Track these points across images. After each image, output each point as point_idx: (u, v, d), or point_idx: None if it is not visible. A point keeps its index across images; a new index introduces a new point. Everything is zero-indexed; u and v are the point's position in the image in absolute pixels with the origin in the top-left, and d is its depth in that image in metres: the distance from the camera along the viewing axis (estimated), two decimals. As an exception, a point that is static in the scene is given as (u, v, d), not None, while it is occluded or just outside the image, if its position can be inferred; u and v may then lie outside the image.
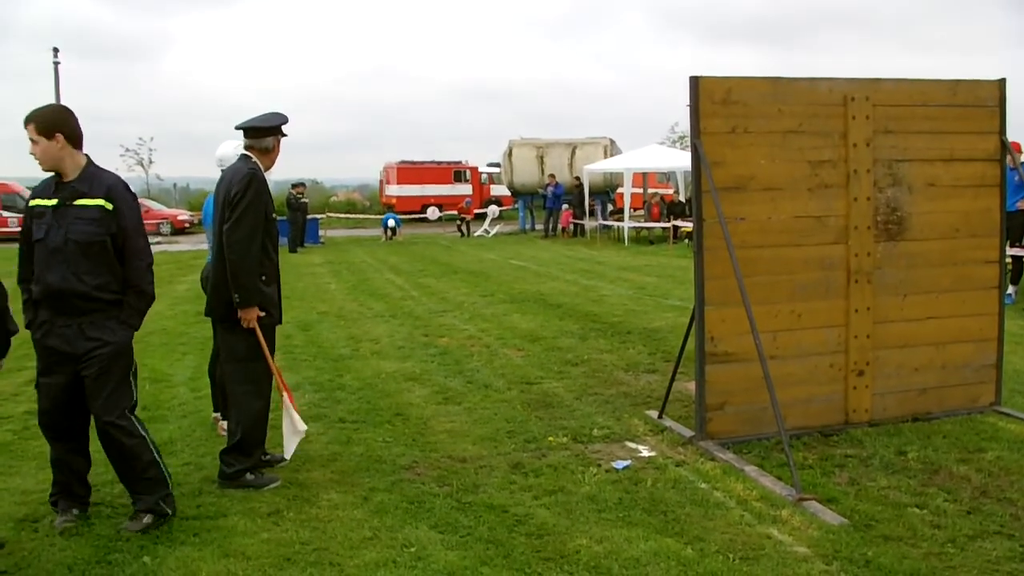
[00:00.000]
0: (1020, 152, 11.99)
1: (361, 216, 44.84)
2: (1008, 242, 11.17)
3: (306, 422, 6.55)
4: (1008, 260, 11.75)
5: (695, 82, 6.61)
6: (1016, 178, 10.85)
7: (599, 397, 8.27)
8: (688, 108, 6.74)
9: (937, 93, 7.25)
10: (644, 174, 33.92)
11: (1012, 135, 7.51)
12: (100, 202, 5.16)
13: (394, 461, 6.49)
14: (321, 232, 32.64)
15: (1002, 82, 7.42)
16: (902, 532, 5.06)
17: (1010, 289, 13.30)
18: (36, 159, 5.20)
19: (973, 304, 7.43)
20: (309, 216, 30.37)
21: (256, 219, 5.91)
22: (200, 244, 27.68)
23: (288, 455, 6.37)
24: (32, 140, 5.13)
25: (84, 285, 5.12)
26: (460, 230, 34.85)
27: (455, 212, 25.98)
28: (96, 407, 5.23)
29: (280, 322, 6.44)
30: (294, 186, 29.18)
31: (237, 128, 6.24)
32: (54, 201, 5.16)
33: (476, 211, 35.45)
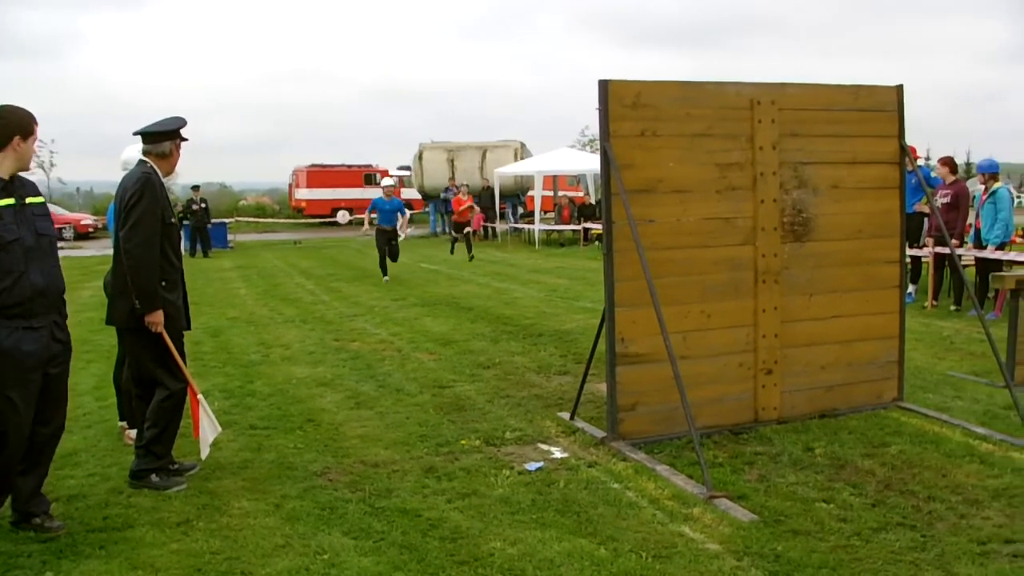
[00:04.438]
0: (916, 156, 12.30)
1: (271, 220, 44.31)
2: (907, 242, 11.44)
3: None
4: (907, 260, 12.04)
5: (604, 85, 6.65)
6: (913, 181, 11.13)
7: (511, 400, 8.28)
8: (598, 111, 6.78)
9: (840, 98, 7.40)
10: (555, 177, 34.08)
11: (909, 139, 7.70)
12: (42, 199, 5.22)
13: (306, 467, 6.41)
14: (230, 237, 32.18)
15: (900, 88, 7.61)
16: (810, 526, 5.15)
17: (910, 288, 13.66)
18: None
19: (876, 303, 7.60)
20: (218, 220, 29.88)
21: (152, 224, 5.82)
22: (105, 249, 27.09)
23: (204, 455, 6.26)
24: None
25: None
26: (458, 238, 25.32)
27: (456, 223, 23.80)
28: (62, 412, 5.33)
29: (188, 328, 6.34)
30: (192, 189, 28.62)
31: (135, 134, 6.15)
32: (11, 200, 5.03)
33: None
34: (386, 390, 8.71)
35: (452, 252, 25.24)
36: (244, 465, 6.50)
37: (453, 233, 25.94)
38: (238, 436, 7.23)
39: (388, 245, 18.95)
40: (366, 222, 20.77)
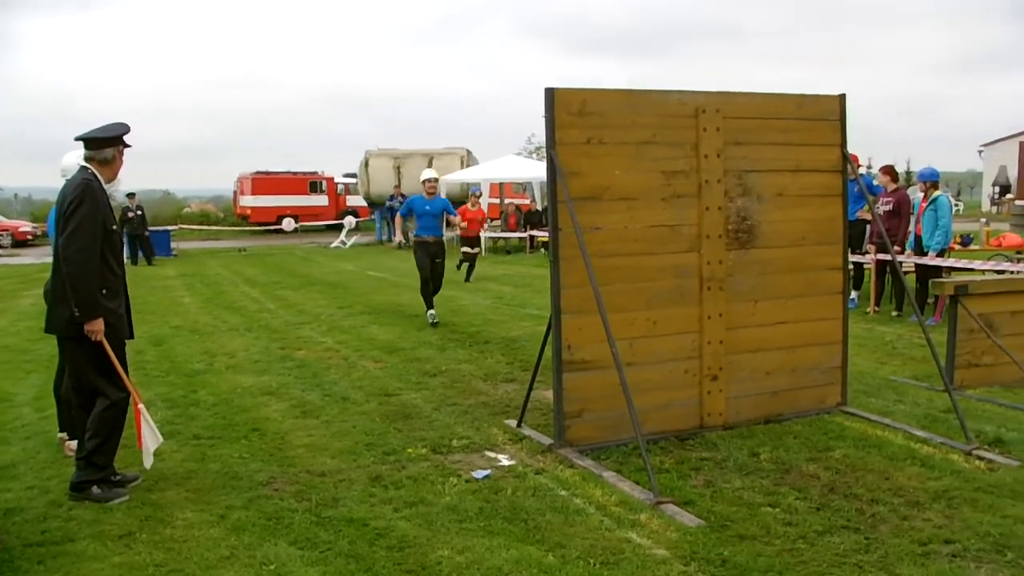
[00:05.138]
0: (859, 164, 12.47)
1: (215, 228, 43.89)
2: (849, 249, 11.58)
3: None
4: (850, 267, 12.20)
5: (551, 93, 6.67)
6: (855, 188, 11.29)
7: (458, 407, 8.26)
8: (544, 119, 6.78)
9: (784, 107, 7.48)
10: (501, 184, 34.12)
11: (851, 148, 7.80)
12: None
13: (251, 477, 6.35)
14: (174, 244, 31.82)
15: (842, 97, 7.71)
16: (756, 531, 5.19)
17: (852, 294, 13.84)
18: None
19: (820, 309, 7.69)
20: (161, 228, 29.50)
21: (92, 231, 5.74)
22: (45, 257, 26.67)
23: (148, 464, 6.17)
24: None
25: None
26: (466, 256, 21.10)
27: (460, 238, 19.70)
28: None
29: (131, 337, 6.26)
30: (128, 196, 28.17)
31: (76, 139, 6.07)
32: None
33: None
34: (332, 399, 8.65)
35: (459, 268, 20.53)
36: (188, 475, 6.42)
37: (463, 249, 20.93)
38: (182, 446, 7.14)
39: (433, 265, 13.44)
40: (398, 232, 15.78)
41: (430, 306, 13.38)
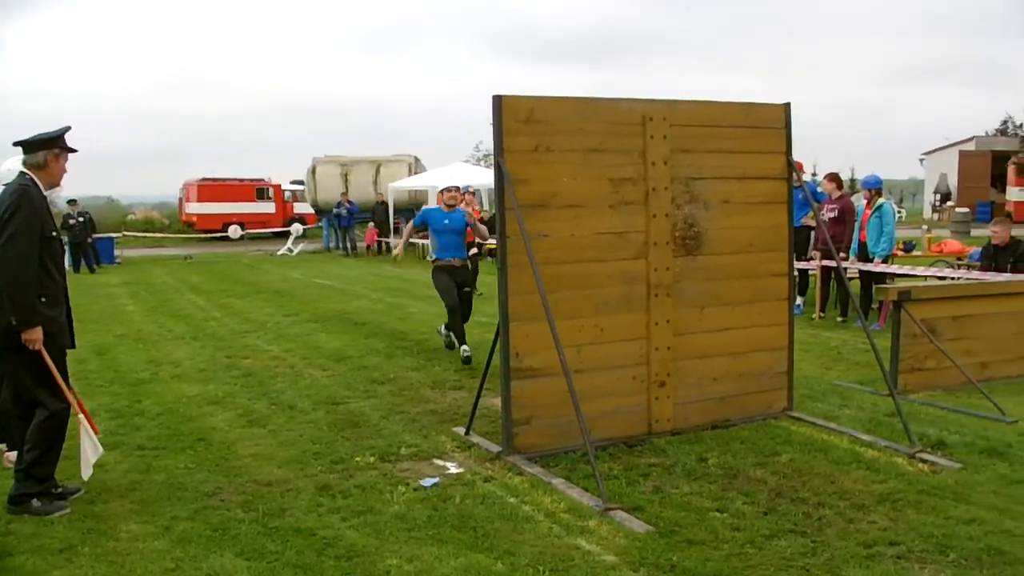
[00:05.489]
0: (803, 171, 12.61)
1: (160, 235, 43.40)
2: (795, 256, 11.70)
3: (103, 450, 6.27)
4: (795, 273, 12.32)
5: (498, 101, 6.67)
6: (800, 196, 11.40)
7: (406, 415, 8.22)
8: (492, 126, 6.78)
9: (730, 115, 7.54)
10: (449, 192, 34.02)
11: (796, 155, 7.87)
12: None
13: (197, 488, 6.27)
14: (117, 252, 31.40)
15: (787, 105, 7.78)
16: (704, 536, 5.22)
17: (798, 300, 13.98)
18: None
19: (766, 315, 7.75)
20: (104, 235, 29.11)
21: (29, 237, 5.64)
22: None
23: (86, 476, 6.07)
24: None
25: None
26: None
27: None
28: None
29: (72, 346, 6.15)
30: (69, 203, 27.73)
31: (14, 144, 5.98)
32: None
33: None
34: (279, 407, 8.58)
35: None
36: (132, 487, 6.32)
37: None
38: (126, 457, 7.04)
39: (460, 291, 10.82)
40: (402, 246, 12.21)
41: (462, 341, 10.76)
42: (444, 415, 8.22)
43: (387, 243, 32.38)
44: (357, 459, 6.88)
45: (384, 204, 32.04)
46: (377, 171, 36.08)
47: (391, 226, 31.88)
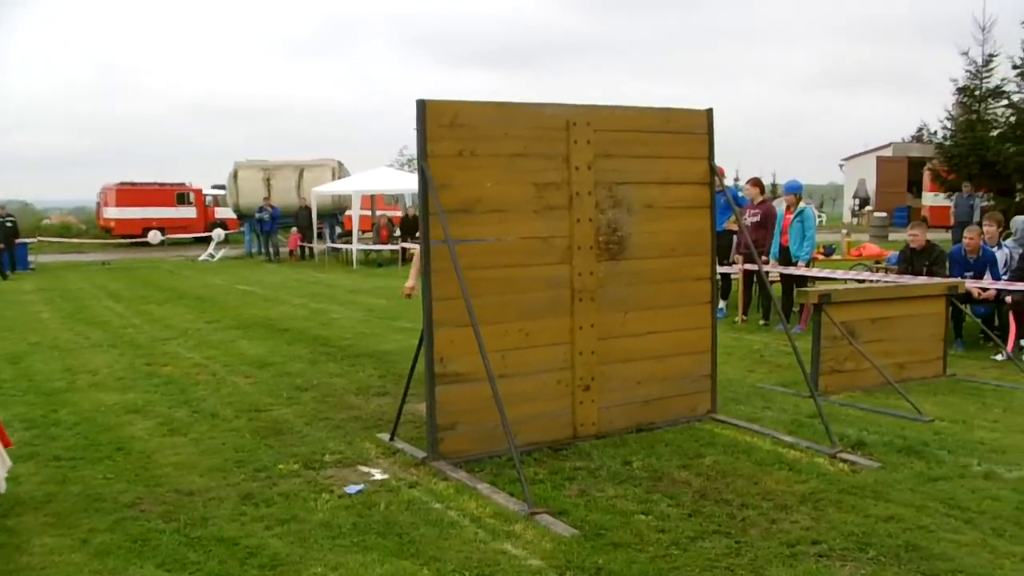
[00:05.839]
0: (725, 176, 12.77)
1: (77, 240, 42.53)
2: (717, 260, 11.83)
3: (15, 462, 6.11)
4: (718, 277, 12.46)
5: (422, 105, 6.64)
6: (723, 200, 11.54)
7: (330, 422, 8.15)
8: (416, 131, 6.75)
9: (653, 120, 7.60)
10: (372, 196, 33.91)
11: (719, 160, 7.96)
12: None
13: (116, 499, 6.14)
14: (32, 258, 30.68)
15: (710, 111, 7.86)
16: (630, 538, 5.24)
17: (721, 304, 14.14)
18: None
19: (689, 319, 7.82)
20: (18, 240, 28.45)
21: None
22: None
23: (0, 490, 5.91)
24: None
25: None
26: None
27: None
28: None
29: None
30: None
31: None
32: None
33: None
34: (201, 415, 8.45)
35: None
36: (47, 499, 6.17)
37: None
38: (40, 468, 6.87)
39: None
40: (413, 277, 9.46)
41: None
42: (368, 421, 8.16)
43: (310, 248, 32.12)
44: (280, 467, 6.80)
45: (307, 209, 31.74)
46: (300, 176, 35.71)
47: (314, 231, 31.59)
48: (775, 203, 15.26)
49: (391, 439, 7.42)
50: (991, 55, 31.53)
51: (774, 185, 48.18)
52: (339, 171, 35.74)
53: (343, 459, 7.01)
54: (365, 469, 6.76)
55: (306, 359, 11.38)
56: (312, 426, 8.01)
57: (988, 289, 11.18)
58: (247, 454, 7.15)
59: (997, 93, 31.87)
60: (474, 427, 6.84)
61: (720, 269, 13.26)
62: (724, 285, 14.57)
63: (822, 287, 11.29)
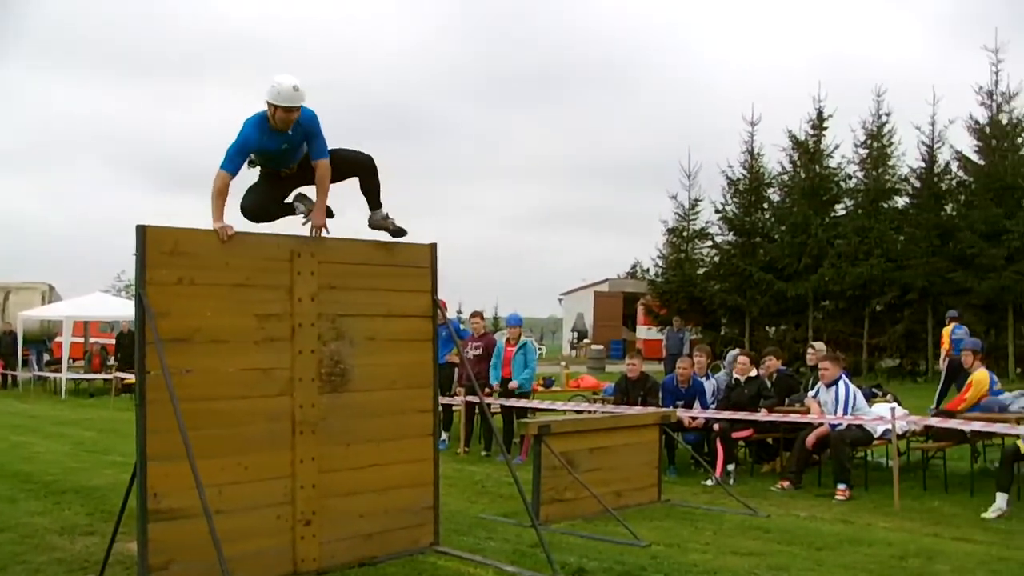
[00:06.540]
0: (447, 309, 13.08)
1: None
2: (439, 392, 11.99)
3: None
4: (440, 409, 12.61)
5: (142, 231, 6.49)
6: (445, 333, 11.78)
7: (28, 566, 7.56)
8: (135, 257, 6.58)
9: (377, 253, 7.72)
10: (86, 323, 32.45)
11: (441, 294, 8.15)
12: None
13: None
14: None
15: (433, 246, 8.07)
16: None
17: (443, 435, 14.27)
18: None
19: (412, 451, 7.84)
20: None
21: None
22: None
23: None
24: None
25: None
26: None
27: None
28: None
29: None
30: None
31: None
32: None
33: None
34: None
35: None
36: None
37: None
38: None
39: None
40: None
41: None
42: (73, 564, 7.64)
43: (13, 376, 30.16)
44: (-32, 618, 6.26)
45: (12, 334, 29.94)
46: (6, 298, 33.75)
47: (19, 358, 29.72)
48: (497, 335, 15.69)
49: (97, 582, 6.99)
50: (696, 199, 34.19)
51: (496, 318, 49.50)
52: (49, 295, 34.08)
53: (41, 606, 6.53)
54: (66, 616, 6.33)
55: (5, 497, 10.55)
56: (7, 572, 7.42)
57: (697, 418, 11.86)
58: (-71, 605, 6.55)
59: (703, 234, 34.45)
60: (190, 565, 6.54)
61: (442, 400, 13.41)
62: (446, 417, 14.73)
63: (542, 418, 11.63)
